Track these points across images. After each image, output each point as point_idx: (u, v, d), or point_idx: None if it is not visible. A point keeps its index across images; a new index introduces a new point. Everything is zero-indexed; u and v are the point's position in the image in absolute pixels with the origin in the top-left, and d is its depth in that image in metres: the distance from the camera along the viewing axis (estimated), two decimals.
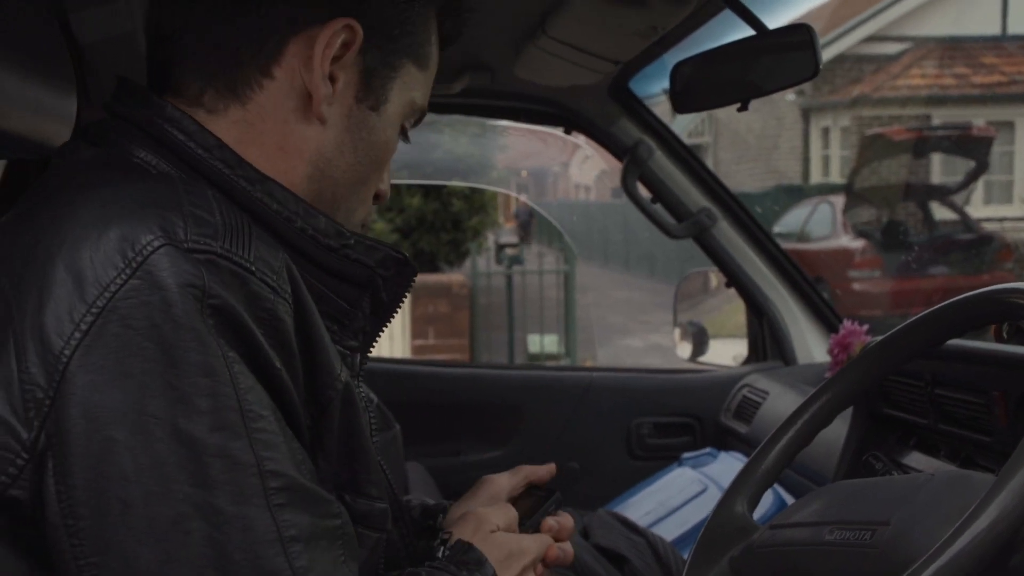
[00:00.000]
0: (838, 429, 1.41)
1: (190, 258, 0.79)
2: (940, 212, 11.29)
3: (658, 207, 2.49)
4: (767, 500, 1.90)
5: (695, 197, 2.47)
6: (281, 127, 0.95)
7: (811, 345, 2.53)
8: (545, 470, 1.24)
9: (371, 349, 1.04)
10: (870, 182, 12.24)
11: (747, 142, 16.72)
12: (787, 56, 1.51)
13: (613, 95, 2.33)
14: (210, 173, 0.91)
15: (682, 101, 1.71)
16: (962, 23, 13.60)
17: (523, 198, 12.61)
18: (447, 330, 8.04)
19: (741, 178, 16.09)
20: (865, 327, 2.21)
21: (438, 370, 2.80)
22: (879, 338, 1.25)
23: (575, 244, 10.02)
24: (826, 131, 15.23)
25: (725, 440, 2.46)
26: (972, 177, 11.37)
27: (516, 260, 9.47)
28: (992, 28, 13.71)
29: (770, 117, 15.83)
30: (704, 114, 13.30)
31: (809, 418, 1.23)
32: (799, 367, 2.51)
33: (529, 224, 15.78)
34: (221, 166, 0.91)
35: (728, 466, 2.21)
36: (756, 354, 2.65)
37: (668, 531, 2.04)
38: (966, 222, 10.98)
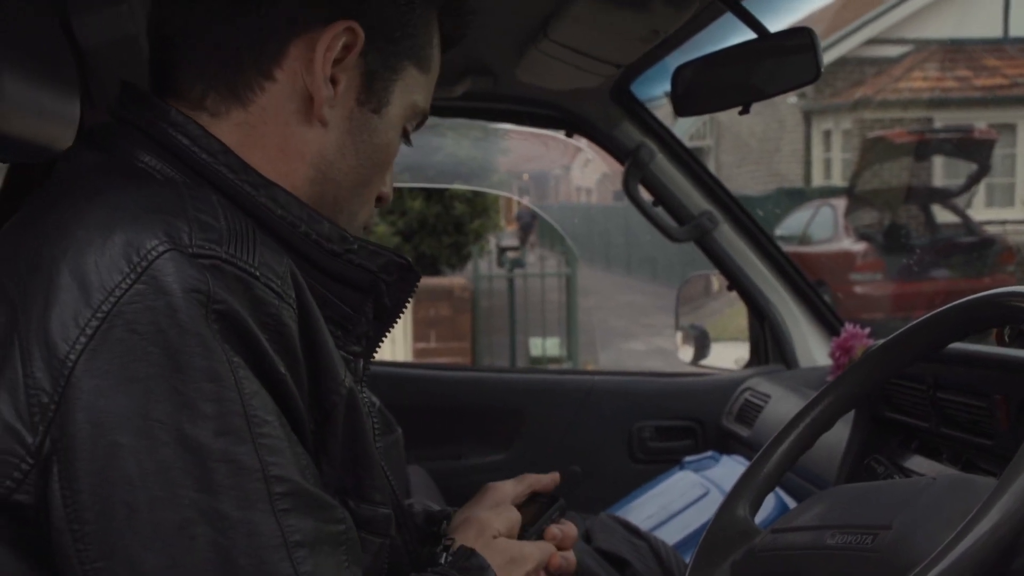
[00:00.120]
0: (840, 433, 1.41)
1: (195, 263, 0.79)
2: (942, 215, 11.29)
3: (660, 210, 2.49)
4: (769, 504, 1.90)
5: (697, 200, 2.47)
6: (283, 129, 0.95)
7: (813, 348, 2.53)
8: (549, 479, 1.24)
9: (374, 354, 1.04)
10: (872, 185, 12.25)
11: (749, 145, 16.72)
12: (788, 59, 1.51)
13: (615, 98, 2.33)
14: (214, 178, 0.91)
15: (684, 104, 1.71)
16: (964, 26, 13.61)
17: (525, 201, 12.61)
18: (449, 333, 8.04)
19: (743, 181, 16.09)
20: (867, 330, 2.21)
21: (440, 373, 2.80)
22: (881, 341, 1.25)
23: (577, 247, 10.02)
24: (828, 134, 15.23)
25: (727, 443, 2.46)
26: (974, 180, 11.37)
27: (518, 263, 9.48)
28: (994, 31, 13.71)
29: (772, 120, 15.83)
30: (706, 117, 13.31)
31: (811, 422, 1.23)
32: (801, 370, 2.51)
33: (531, 227, 15.78)
34: (225, 171, 0.91)
35: (730, 470, 2.21)
36: (758, 357, 2.65)
37: (670, 535, 2.03)
38: (968, 225, 10.98)
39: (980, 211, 12.16)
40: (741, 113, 1.58)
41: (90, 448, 0.75)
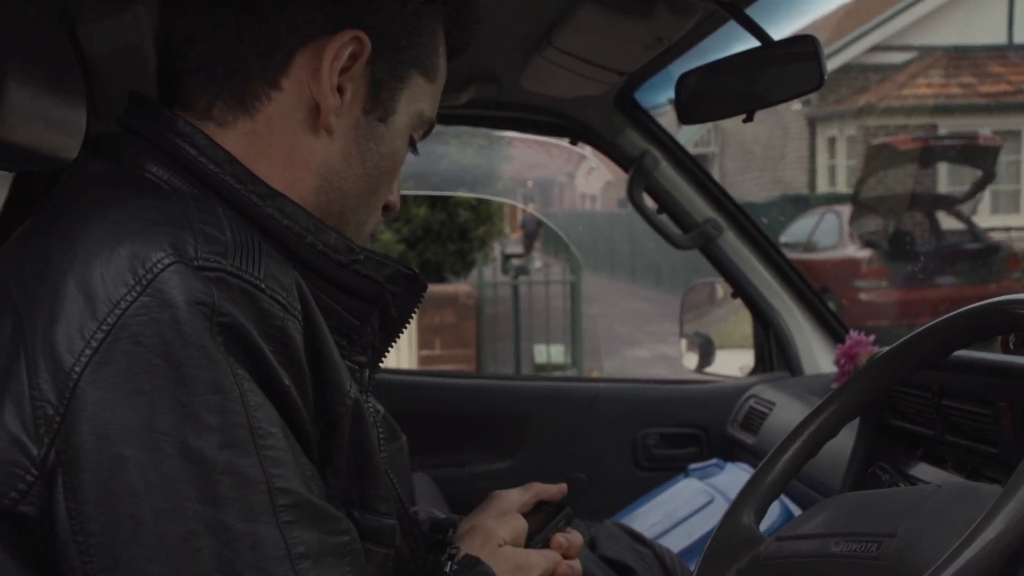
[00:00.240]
0: (845, 440, 1.41)
1: (200, 276, 0.79)
2: (947, 222, 11.28)
3: (664, 218, 2.49)
4: (774, 511, 1.89)
5: (701, 208, 2.47)
6: (289, 139, 0.95)
7: (817, 356, 2.52)
8: (556, 488, 1.24)
9: (380, 364, 1.04)
10: (876, 192, 12.24)
11: (753, 152, 16.72)
12: (792, 67, 1.51)
13: (619, 106, 2.34)
14: (221, 188, 0.91)
15: (687, 112, 1.71)
16: (968, 32, 13.60)
17: (529, 208, 12.62)
18: (453, 340, 8.04)
19: (747, 188, 16.09)
20: (871, 337, 2.20)
21: (444, 381, 2.80)
22: (886, 349, 1.25)
23: (581, 254, 10.02)
24: (832, 141, 15.23)
25: (732, 451, 2.46)
26: (979, 186, 11.36)
27: (522, 270, 9.49)
28: (998, 37, 13.71)
29: (776, 127, 15.83)
30: (710, 124, 13.31)
31: (816, 429, 1.23)
32: (805, 378, 2.50)
33: (536, 234, 15.79)
34: (232, 181, 0.91)
35: (735, 477, 2.21)
36: (762, 365, 2.65)
37: (675, 542, 2.03)
38: (973, 232, 10.97)
39: (985, 218, 12.15)
40: (745, 121, 1.58)
41: (95, 460, 0.75)
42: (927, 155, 12.24)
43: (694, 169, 2.47)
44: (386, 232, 8.85)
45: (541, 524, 1.18)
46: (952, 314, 1.16)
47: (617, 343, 10.65)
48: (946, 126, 13.50)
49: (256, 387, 0.80)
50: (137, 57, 1.46)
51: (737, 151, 17.41)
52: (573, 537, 1.18)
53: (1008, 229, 11.99)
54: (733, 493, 1.23)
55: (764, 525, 1.20)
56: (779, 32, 1.53)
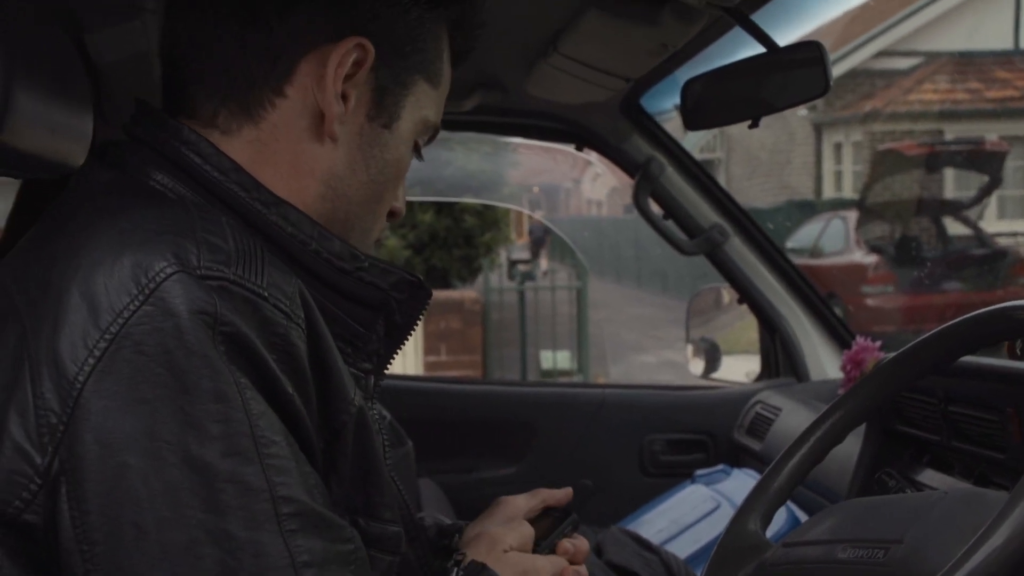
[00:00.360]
0: (851, 446, 1.41)
1: (203, 285, 0.79)
2: (953, 227, 11.27)
3: (670, 223, 2.49)
4: (780, 517, 1.89)
5: (707, 213, 2.47)
6: (294, 146, 0.96)
7: (824, 361, 2.52)
8: (563, 493, 1.23)
9: (385, 371, 1.04)
10: (883, 197, 12.23)
11: (759, 157, 16.71)
12: (797, 73, 1.51)
13: (624, 112, 2.34)
14: (226, 196, 0.91)
15: (693, 118, 1.71)
16: (974, 38, 13.59)
17: (536, 215, 12.63)
18: (459, 346, 8.04)
19: (753, 193, 16.08)
20: (878, 343, 2.20)
21: (450, 387, 2.80)
22: (892, 355, 1.25)
23: (587, 260, 10.01)
24: (838, 146, 15.22)
25: (738, 457, 2.46)
26: (985, 192, 11.35)
27: (528, 276, 9.49)
28: (1005, 43, 13.69)
29: (782, 132, 15.82)
30: (716, 130, 13.31)
31: (822, 435, 1.23)
32: (812, 383, 2.50)
33: (543, 241, 15.78)
34: (237, 189, 0.91)
35: (741, 483, 2.20)
36: (769, 370, 2.65)
37: (681, 548, 2.03)
38: (980, 237, 10.95)
39: (992, 223, 12.13)
40: (751, 127, 1.59)
41: (99, 469, 0.76)
42: (933, 160, 12.22)
43: (700, 175, 2.47)
44: (392, 238, 8.85)
45: (547, 530, 1.18)
46: (958, 320, 1.15)
47: (623, 349, 10.64)
48: (952, 131, 13.48)
49: (259, 395, 0.80)
50: (144, 65, 1.47)
51: (743, 157, 17.40)
52: (579, 543, 1.18)
53: (1015, 234, 11.97)
54: (739, 499, 1.23)
55: (770, 531, 1.20)
56: (784, 38, 1.53)
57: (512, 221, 12.53)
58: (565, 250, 12.77)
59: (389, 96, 0.99)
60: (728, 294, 2.69)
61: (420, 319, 1.02)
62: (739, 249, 2.49)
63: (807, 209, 13.71)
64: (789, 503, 1.86)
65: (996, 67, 13.72)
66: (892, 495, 1.42)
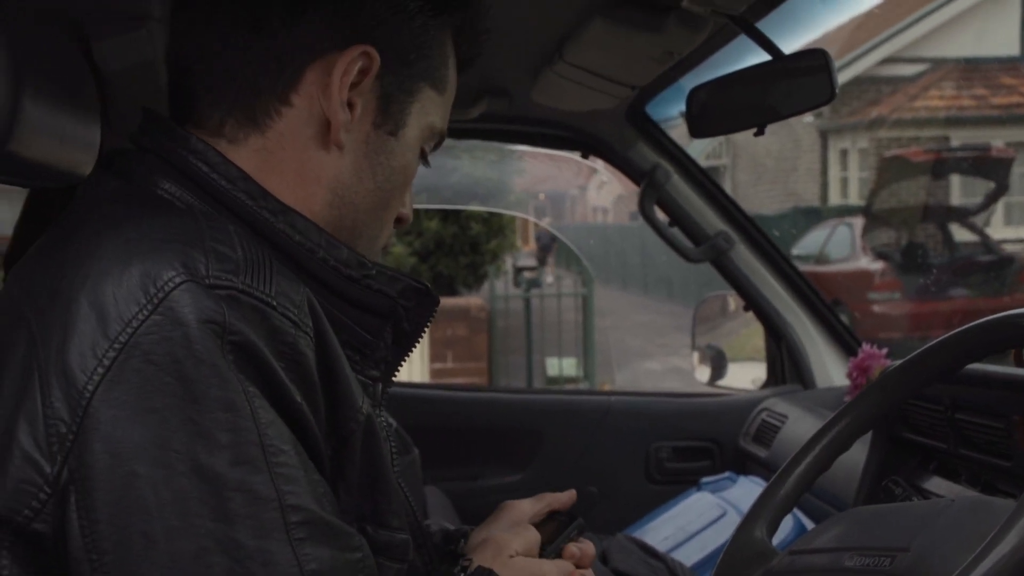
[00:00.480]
0: (857, 454, 1.41)
1: (211, 294, 0.79)
2: (960, 233, 11.25)
3: (675, 230, 2.49)
4: (786, 525, 1.89)
5: (712, 220, 2.47)
6: (300, 155, 0.96)
7: (830, 368, 2.52)
8: (567, 496, 1.24)
9: (393, 378, 1.04)
10: (889, 204, 12.22)
11: (765, 164, 16.71)
12: (803, 80, 1.51)
13: (630, 119, 2.34)
14: (233, 205, 0.91)
15: (699, 125, 1.72)
16: (980, 44, 13.59)
17: (543, 223, 12.63)
18: (465, 353, 8.05)
19: (759, 200, 16.08)
20: (884, 350, 2.20)
21: (456, 394, 2.80)
22: (898, 362, 1.25)
23: (593, 267, 10.02)
24: (844, 153, 15.21)
25: (744, 464, 2.45)
26: (992, 198, 11.33)
27: (534, 283, 9.49)
28: (1011, 49, 13.68)
29: (788, 139, 15.82)
30: (722, 137, 13.31)
31: (828, 443, 1.22)
32: (818, 391, 2.50)
33: (550, 247, 15.79)
34: (244, 197, 0.92)
35: (747, 491, 2.20)
36: (775, 378, 2.64)
37: (687, 556, 2.03)
38: (986, 243, 10.93)
39: (999, 230, 12.11)
40: (756, 135, 1.59)
41: (108, 478, 0.76)
42: (939, 167, 12.21)
43: (705, 182, 2.47)
44: (398, 245, 8.86)
45: (553, 534, 1.18)
46: (965, 327, 1.15)
47: (629, 356, 10.64)
48: (958, 138, 13.47)
49: (267, 404, 0.80)
50: (151, 73, 1.47)
51: (749, 163, 17.40)
52: (586, 547, 1.18)
53: (1021, 241, 11.94)
54: (746, 507, 1.23)
55: (777, 539, 1.20)
56: (790, 45, 1.53)
57: (518, 228, 12.53)
58: (571, 257, 12.78)
59: (395, 103, 0.99)
60: (734, 301, 2.69)
61: (428, 326, 1.02)
62: (745, 256, 2.49)
63: (813, 216, 13.71)
64: (795, 511, 1.86)
65: (1002, 73, 13.71)
66: (899, 503, 1.41)
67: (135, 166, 0.94)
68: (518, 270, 10.27)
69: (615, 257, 17.68)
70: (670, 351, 10.52)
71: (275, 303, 0.83)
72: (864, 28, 13.99)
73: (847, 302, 9.83)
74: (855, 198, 14.66)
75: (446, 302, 7.96)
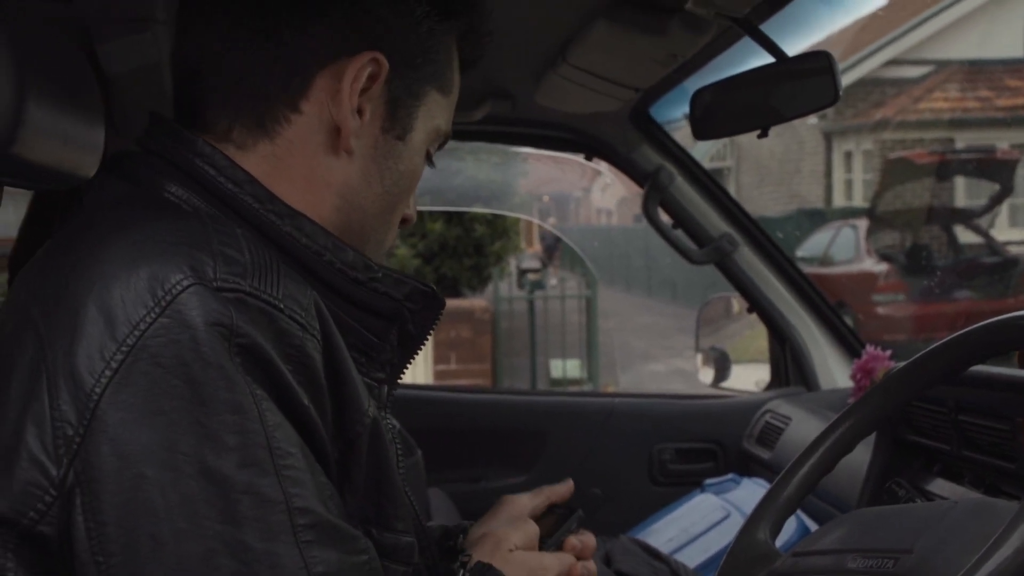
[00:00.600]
0: (861, 455, 1.41)
1: (219, 297, 0.80)
2: (964, 235, 11.23)
3: (679, 233, 2.49)
4: (790, 527, 1.89)
5: (716, 222, 2.47)
6: (309, 160, 0.96)
7: (834, 370, 2.52)
8: (566, 488, 1.24)
9: (398, 380, 1.04)
10: (893, 206, 12.20)
11: (769, 166, 16.70)
12: (807, 83, 1.51)
13: (634, 121, 2.34)
14: (240, 208, 0.91)
15: (702, 128, 1.72)
16: (985, 46, 13.57)
17: (548, 225, 12.62)
18: (469, 355, 8.05)
19: (763, 202, 16.06)
20: (888, 352, 2.20)
21: (460, 396, 2.80)
22: (902, 364, 1.24)
23: (597, 269, 10.02)
24: (848, 155, 15.20)
25: (748, 466, 2.45)
26: (997, 200, 11.31)
27: (538, 285, 9.48)
28: (1015, 51, 13.66)
29: (792, 141, 15.81)
30: (725, 138, 13.29)
31: (832, 444, 1.22)
32: (822, 393, 2.50)
33: (555, 249, 15.77)
34: (251, 201, 0.92)
35: (751, 492, 2.20)
36: (778, 379, 2.64)
37: (690, 558, 2.03)
38: (991, 245, 10.92)
39: (1003, 231, 12.09)
40: (760, 137, 1.59)
41: (116, 480, 0.76)
42: (944, 169, 12.20)
43: (709, 184, 2.47)
44: (402, 247, 8.87)
45: (553, 527, 1.18)
46: (969, 329, 1.15)
47: (633, 358, 10.63)
48: (963, 140, 13.45)
49: (275, 407, 0.81)
50: (155, 75, 1.47)
51: (753, 165, 17.39)
52: (586, 539, 1.18)
53: None
54: (749, 508, 1.23)
55: (780, 541, 1.20)
56: (793, 48, 1.53)
57: (522, 230, 12.53)
58: (575, 259, 12.77)
59: (402, 108, 0.99)
60: (738, 303, 2.69)
61: (433, 329, 1.02)
62: (748, 258, 2.49)
63: (817, 218, 13.70)
64: (799, 512, 1.86)
65: (1007, 75, 13.69)
66: (902, 505, 1.41)
67: (141, 169, 0.94)
68: (522, 272, 10.26)
69: (619, 259, 17.67)
70: (674, 353, 10.51)
71: (282, 306, 0.83)
72: (868, 30, 13.98)
73: (851, 304, 9.82)
74: (859, 200, 14.65)
75: (450, 304, 7.95)
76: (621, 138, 2.39)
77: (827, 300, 2.56)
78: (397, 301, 0.97)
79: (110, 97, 1.49)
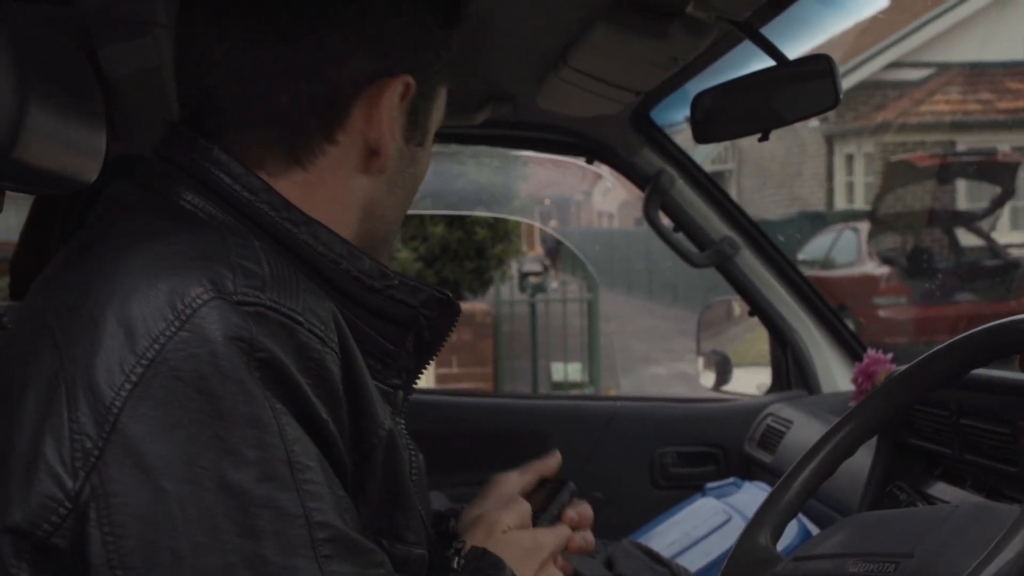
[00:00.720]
0: (862, 459, 1.41)
1: (239, 311, 0.79)
2: (966, 238, 11.23)
3: (680, 236, 2.49)
4: (791, 530, 1.89)
5: (717, 226, 2.47)
6: (342, 184, 0.96)
7: (835, 374, 2.51)
8: (554, 461, 1.24)
9: (414, 386, 1.04)
10: (895, 208, 12.20)
11: (770, 169, 16.70)
12: (807, 86, 1.51)
13: (634, 125, 2.34)
14: (256, 216, 0.91)
15: (703, 131, 1.72)
16: (986, 49, 13.57)
17: (549, 228, 12.63)
18: (471, 359, 8.04)
19: (765, 205, 16.07)
20: (889, 355, 2.20)
21: (461, 399, 2.80)
22: (903, 367, 1.24)
23: (598, 272, 10.01)
24: (850, 158, 15.20)
25: (749, 470, 2.45)
26: (998, 203, 11.31)
27: (539, 288, 9.48)
28: (1016, 54, 13.67)
29: (794, 144, 15.82)
30: (727, 142, 13.28)
31: (833, 448, 1.22)
32: (823, 396, 2.49)
33: (557, 252, 15.77)
34: (267, 209, 0.91)
35: (752, 496, 2.20)
36: (780, 383, 2.64)
37: (692, 562, 2.02)
38: (992, 248, 10.92)
39: (1005, 234, 12.09)
40: (760, 140, 1.59)
41: (135, 493, 0.76)
42: (945, 172, 12.20)
43: (710, 187, 2.47)
44: (403, 251, 8.86)
45: (545, 501, 1.17)
46: (970, 332, 1.15)
47: (634, 361, 10.63)
48: (964, 143, 13.46)
49: (294, 421, 0.80)
50: (156, 79, 1.48)
51: (754, 168, 17.39)
52: (583, 509, 1.17)
53: None
54: (751, 512, 1.23)
55: (781, 545, 1.20)
56: (794, 51, 1.54)
57: (523, 233, 12.53)
58: (576, 262, 12.77)
59: (422, 115, 1.00)
60: (739, 306, 2.69)
61: (449, 335, 1.02)
62: (750, 261, 2.49)
63: (819, 221, 13.70)
64: (800, 516, 1.86)
65: (1008, 78, 13.70)
66: (903, 509, 1.41)
67: (156, 176, 0.93)
68: (523, 275, 10.26)
69: (620, 262, 17.68)
70: (675, 356, 10.51)
71: (302, 319, 0.82)
72: (870, 33, 13.99)
73: (852, 307, 9.82)
74: (861, 203, 14.65)
75: None
76: (622, 141, 2.39)
77: (828, 303, 2.56)
78: (413, 308, 0.96)
79: (112, 101, 1.49)
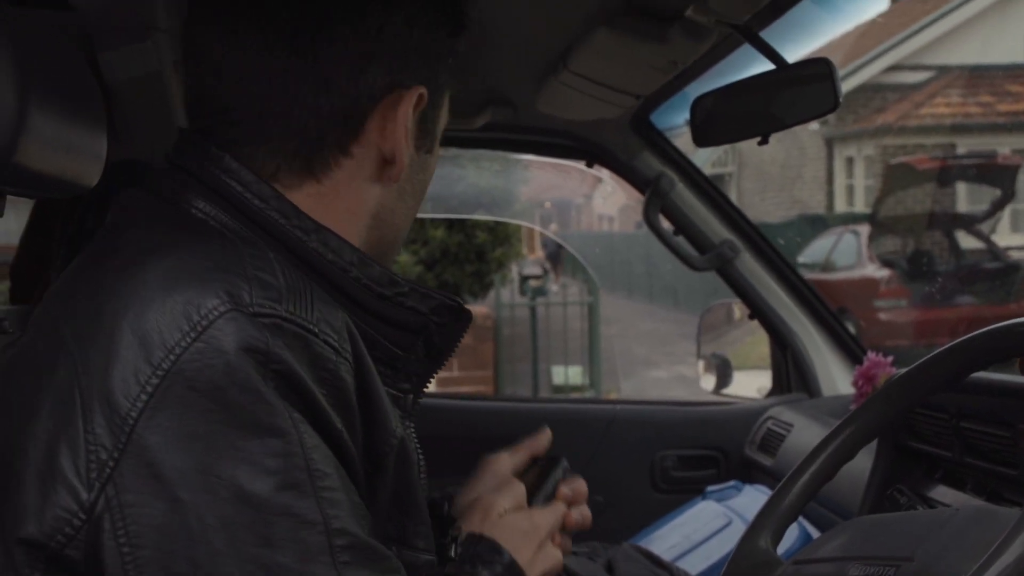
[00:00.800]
0: (863, 462, 1.41)
1: (255, 322, 0.80)
2: (966, 241, 11.23)
3: (680, 239, 2.49)
4: (792, 534, 1.89)
5: (717, 229, 2.47)
6: (355, 195, 0.97)
7: (836, 377, 2.51)
8: (544, 438, 1.24)
9: (424, 390, 1.04)
10: (895, 211, 12.21)
11: (771, 172, 16.71)
12: (807, 89, 1.52)
13: (634, 128, 2.34)
14: (266, 223, 0.91)
15: (703, 134, 1.72)
16: (986, 52, 13.58)
17: (549, 231, 12.63)
18: (471, 362, 8.04)
19: (765, 208, 16.07)
20: (890, 359, 2.20)
21: (462, 403, 2.80)
22: (904, 370, 1.24)
23: (598, 276, 10.02)
24: (850, 160, 15.20)
25: (750, 473, 2.45)
26: (998, 206, 11.32)
27: (540, 292, 9.48)
28: (1017, 57, 13.68)
29: (794, 147, 15.82)
30: (727, 145, 13.29)
31: (833, 451, 1.22)
32: (824, 399, 2.49)
33: (558, 255, 15.77)
34: (277, 216, 0.91)
35: (753, 499, 2.20)
36: (780, 386, 2.64)
37: (693, 565, 2.02)
38: (993, 251, 10.93)
39: (1005, 237, 12.09)
40: (760, 143, 1.59)
41: (152, 504, 0.76)
42: (946, 174, 12.20)
43: (710, 191, 2.47)
44: (404, 254, 8.86)
45: (539, 480, 1.17)
46: (970, 335, 1.15)
47: (635, 364, 10.63)
48: (965, 145, 13.46)
49: (311, 429, 0.81)
50: (157, 84, 1.48)
51: (754, 171, 17.40)
52: (576, 484, 1.17)
53: None
54: (751, 515, 1.23)
55: (782, 548, 1.20)
56: (794, 54, 1.54)
57: (524, 237, 12.53)
58: (577, 266, 12.77)
59: (431, 121, 1.01)
60: (739, 309, 2.69)
61: (460, 341, 1.02)
62: (750, 264, 2.49)
63: (819, 224, 13.69)
64: (800, 520, 1.85)
65: (1008, 81, 13.71)
66: (903, 512, 1.41)
67: (166, 183, 0.93)
68: (524, 279, 10.26)
69: (620, 265, 17.68)
70: (675, 359, 10.51)
71: (316, 330, 0.83)
72: (869, 36, 14.00)
73: (853, 310, 9.81)
74: (861, 206, 14.66)
75: None
76: (622, 145, 2.39)
77: (829, 306, 2.56)
78: (423, 315, 0.97)
79: (112, 105, 1.49)
